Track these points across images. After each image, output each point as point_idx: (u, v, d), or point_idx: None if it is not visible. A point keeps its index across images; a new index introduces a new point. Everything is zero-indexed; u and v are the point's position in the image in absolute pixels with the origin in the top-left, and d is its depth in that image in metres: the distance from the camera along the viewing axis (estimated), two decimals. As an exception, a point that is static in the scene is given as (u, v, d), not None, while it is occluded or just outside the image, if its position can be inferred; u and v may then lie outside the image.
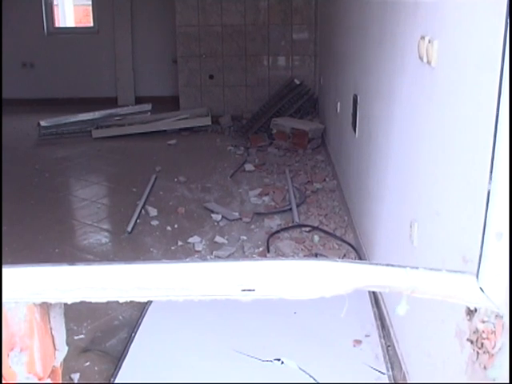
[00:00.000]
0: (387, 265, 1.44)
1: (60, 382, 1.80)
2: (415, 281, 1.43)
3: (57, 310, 1.63)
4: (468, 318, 1.59)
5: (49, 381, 1.66)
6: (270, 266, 1.42)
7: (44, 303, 1.53)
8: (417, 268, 1.47)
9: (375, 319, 3.30)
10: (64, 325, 1.73)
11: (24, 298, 1.48)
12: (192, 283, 1.38)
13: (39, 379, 1.61)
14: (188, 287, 1.37)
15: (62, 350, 1.75)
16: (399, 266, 1.45)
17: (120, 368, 2.89)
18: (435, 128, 2.37)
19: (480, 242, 1.49)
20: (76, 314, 3.36)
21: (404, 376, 2.76)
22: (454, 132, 2.13)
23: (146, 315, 3.32)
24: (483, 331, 1.50)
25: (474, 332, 1.55)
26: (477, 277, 1.50)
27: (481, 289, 1.48)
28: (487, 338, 1.50)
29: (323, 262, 1.40)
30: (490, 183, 1.43)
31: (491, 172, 1.41)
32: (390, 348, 3.07)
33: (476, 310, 1.53)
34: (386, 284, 1.41)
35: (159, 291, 1.37)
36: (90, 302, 3.43)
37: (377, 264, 1.44)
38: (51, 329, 1.66)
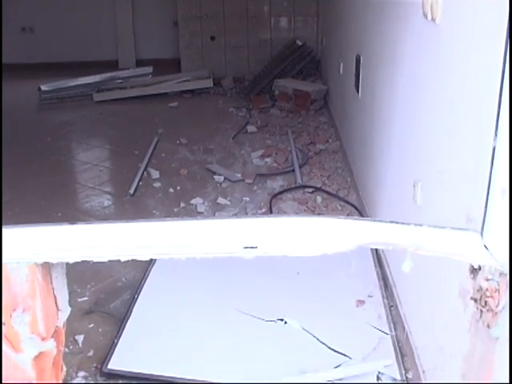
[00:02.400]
0: (391, 222, 1.43)
1: (63, 342, 1.80)
2: (419, 238, 1.42)
3: (58, 270, 1.63)
4: (472, 276, 1.58)
5: (52, 341, 1.66)
6: (272, 223, 1.40)
7: (46, 263, 1.52)
8: (421, 225, 1.45)
9: (378, 279, 3.30)
10: (66, 285, 1.73)
11: (25, 258, 1.47)
12: (193, 241, 1.36)
13: (42, 339, 1.60)
14: (189, 245, 1.36)
15: (65, 311, 1.74)
16: (403, 224, 1.44)
17: (123, 329, 2.90)
18: (440, 86, 2.34)
19: (485, 200, 1.47)
20: (79, 276, 3.37)
21: (407, 336, 2.77)
22: (459, 90, 2.10)
23: (148, 276, 3.33)
24: (487, 289, 1.49)
25: (478, 290, 1.54)
26: (481, 234, 1.48)
27: (485, 246, 1.47)
28: (491, 297, 1.49)
29: (326, 218, 1.39)
30: (495, 140, 1.41)
31: (496, 129, 1.39)
32: (392, 308, 3.07)
33: (480, 267, 1.52)
34: (389, 241, 1.39)
35: (160, 249, 1.36)
36: (93, 264, 3.44)
37: (380, 221, 1.42)
38: (53, 289, 1.65)
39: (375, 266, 3.43)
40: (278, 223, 1.40)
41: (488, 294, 1.49)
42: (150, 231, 1.39)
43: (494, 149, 1.43)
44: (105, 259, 1.44)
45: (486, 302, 1.52)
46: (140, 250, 1.37)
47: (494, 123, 1.41)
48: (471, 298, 1.60)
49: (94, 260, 1.46)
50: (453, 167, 2.19)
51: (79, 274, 3.36)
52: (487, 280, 1.49)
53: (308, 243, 1.36)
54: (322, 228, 1.38)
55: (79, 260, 1.46)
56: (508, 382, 1.53)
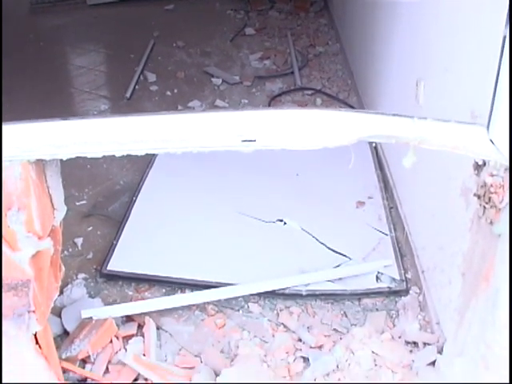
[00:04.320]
0: (394, 115, 1.39)
1: (61, 241, 1.79)
2: (423, 131, 1.37)
3: (53, 168, 1.59)
4: (476, 172, 1.55)
5: (49, 240, 1.65)
6: (271, 116, 1.35)
7: (39, 161, 1.49)
8: (425, 118, 1.41)
9: (378, 181, 3.28)
10: (61, 184, 1.70)
11: (18, 155, 1.43)
12: (190, 134, 1.32)
13: (39, 238, 1.59)
14: (186, 138, 1.32)
15: (61, 210, 1.72)
16: (406, 116, 1.40)
17: (122, 231, 2.89)
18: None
19: (492, 91, 1.42)
20: (77, 180, 3.34)
21: (406, 237, 2.77)
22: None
23: (147, 179, 3.30)
24: (491, 185, 1.46)
25: (482, 186, 1.52)
26: (487, 128, 1.44)
27: (491, 141, 1.43)
28: (495, 192, 1.46)
29: (326, 111, 1.34)
30: (506, 28, 1.35)
31: (510, 16, 1.33)
32: (392, 209, 3.06)
33: (485, 163, 1.49)
34: (392, 134, 1.35)
35: (156, 143, 1.32)
36: (91, 168, 3.40)
37: (383, 114, 1.38)
38: (48, 188, 1.62)
39: (375, 168, 3.40)
40: (277, 116, 1.35)
41: (492, 189, 1.47)
42: (146, 125, 1.35)
43: (504, 38, 1.37)
44: (99, 155, 1.40)
45: (489, 199, 1.50)
46: (135, 145, 1.33)
47: (506, 11, 1.35)
48: (474, 195, 1.58)
49: (89, 156, 1.42)
50: (458, 63, 2.13)
51: (77, 178, 3.34)
52: (492, 176, 1.46)
53: (308, 136, 1.32)
54: (323, 120, 1.33)
55: (73, 156, 1.43)
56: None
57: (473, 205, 1.75)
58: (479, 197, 1.55)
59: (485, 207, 1.54)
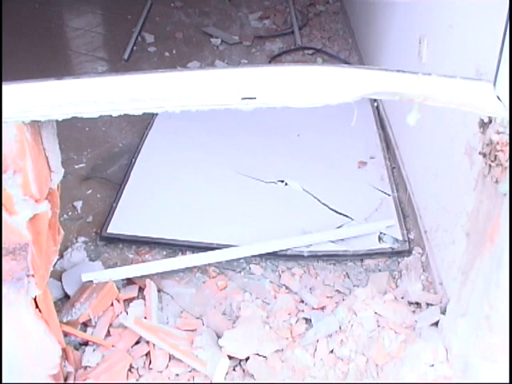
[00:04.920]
0: (398, 71, 1.35)
1: (58, 204, 1.76)
2: (428, 87, 1.34)
3: (49, 129, 1.56)
4: (481, 130, 1.52)
5: (46, 203, 1.62)
6: (271, 73, 1.31)
7: (34, 122, 1.45)
8: (429, 74, 1.37)
9: (380, 141, 3.25)
10: (58, 146, 1.67)
11: (12, 116, 1.40)
12: (189, 92, 1.28)
13: (36, 201, 1.56)
14: (185, 96, 1.28)
15: (58, 172, 1.69)
16: (410, 72, 1.36)
17: (122, 194, 2.87)
18: None
19: (499, 46, 1.38)
20: (75, 143, 3.30)
21: (409, 197, 2.74)
22: None
23: (145, 141, 3.26)
24: (497, 143, 1.43)
25: (488, 144, 1.48)
26: (494, 84, 1.41)
27: (498, 97, 1.39)
28: (501, 150, 1.43)
29: (329, 67, 1.30)
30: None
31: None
32: (395, 170, 3.04)
33: (491, 120, 1.46)
34: (396, 90, 1.32)
35: (154, 102, 1.28)
36: (89, 131, 3.36)
37: (386, 70, 1.34)
38: (44, 149, 1.59)
39: (377, 127, 3.36)
40: (278, 73, 1.31)
41: (498, 147, 1.44)
42: (143, 84, 1.31)
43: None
44: (95, 115, 1.37)
45: (495, 157, 1.47)
46: (133, 104, 1.29)
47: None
48: (480, 153, 1.54)
49: (85, 116, 1.38)
50: (463, 19, 2.08)
51: (75, 141, 3.30)
52: (498, 133, 1.43)
53: (310, 92, 1.28)
54: (325, 77, 1.29)
55: (69, 116, 1.39)
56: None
57: (477, 164, 1.72)
58: (484, 155, 1.52)
59: (490, 166, 1.51)
